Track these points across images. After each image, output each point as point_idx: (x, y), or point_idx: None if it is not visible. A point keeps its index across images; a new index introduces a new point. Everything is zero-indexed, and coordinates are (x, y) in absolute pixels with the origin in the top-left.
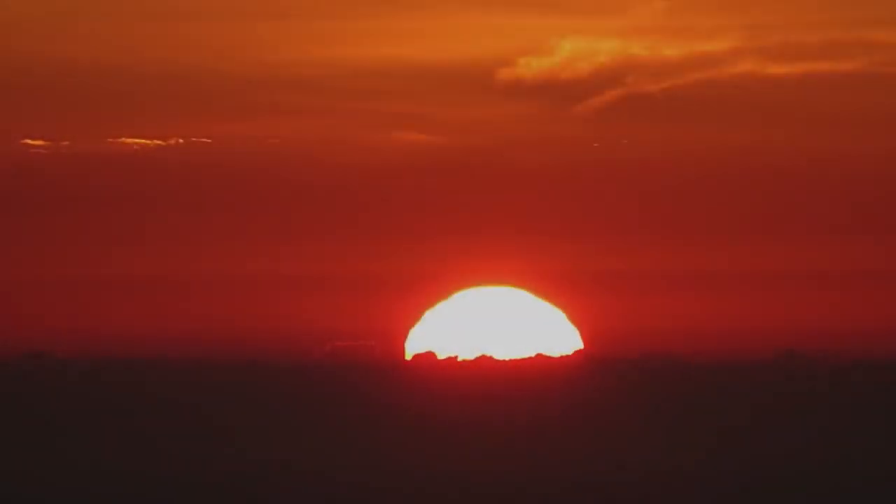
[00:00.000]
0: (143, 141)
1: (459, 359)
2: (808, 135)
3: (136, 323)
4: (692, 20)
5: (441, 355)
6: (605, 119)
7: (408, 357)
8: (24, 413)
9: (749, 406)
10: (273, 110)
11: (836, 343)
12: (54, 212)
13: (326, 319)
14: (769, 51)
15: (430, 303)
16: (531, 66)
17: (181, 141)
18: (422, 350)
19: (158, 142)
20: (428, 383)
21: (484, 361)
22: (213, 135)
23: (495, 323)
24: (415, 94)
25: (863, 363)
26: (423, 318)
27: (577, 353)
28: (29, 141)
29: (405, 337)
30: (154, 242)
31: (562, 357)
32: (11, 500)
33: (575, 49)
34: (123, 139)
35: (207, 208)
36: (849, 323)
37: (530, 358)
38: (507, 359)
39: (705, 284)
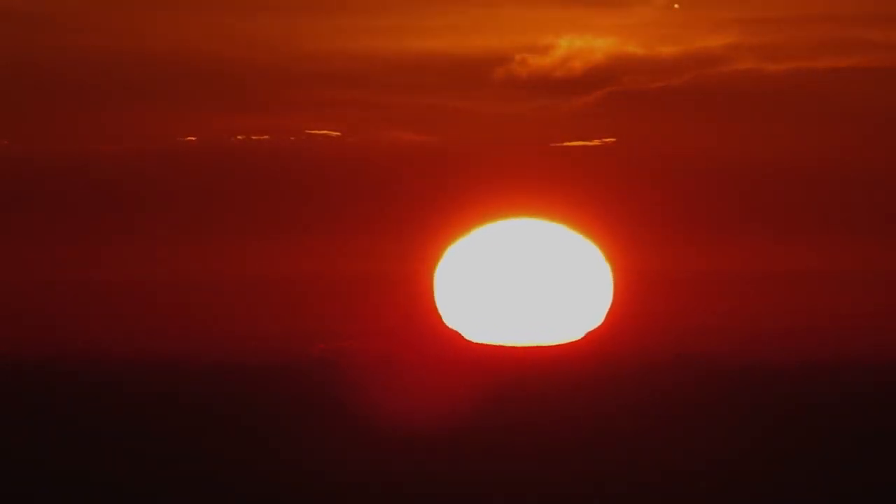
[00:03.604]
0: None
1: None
2: (808, 133)
3: (125, 325)
4: (690, 17)
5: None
6: (602, 116)
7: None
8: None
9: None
10: (261, 106)
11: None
12: (41, 214)
13: (313, 321)
14: (768, 48)
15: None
16: (527, 64)
17: (167, 141)
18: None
19: (140, 145)
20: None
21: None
22: (199, 133)
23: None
24: (410, 90)
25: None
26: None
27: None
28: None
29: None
30: (143, 244)
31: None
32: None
33: (572, 46)
34: (110, 140)
35: (196, 209)
36: (864, 321)
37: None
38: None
39: (702, 284)
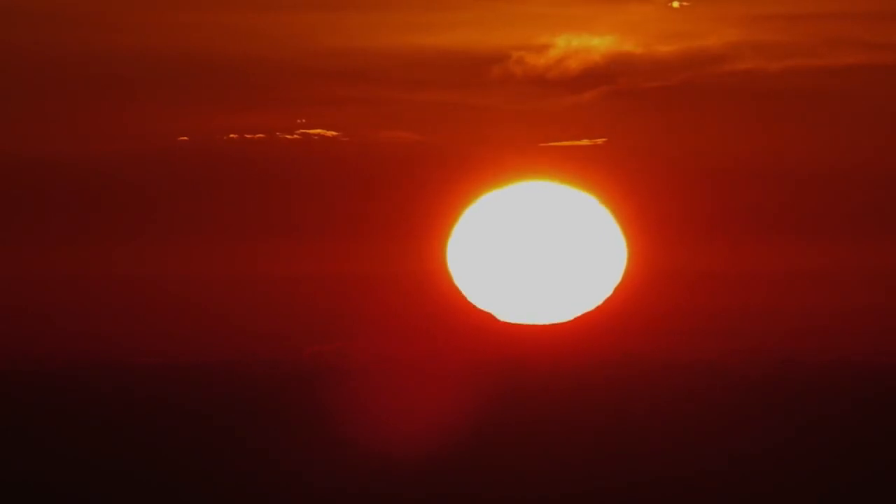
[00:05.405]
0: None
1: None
2: (808, 132)
3: (121, 323)
4: (689, 16)
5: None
6: (597, 116)
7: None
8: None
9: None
10: (254, 105)
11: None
12: (35, 214)
13: (310, 321)
14: (767, 47)
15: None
16: (524, 62)
17: (161, 141)
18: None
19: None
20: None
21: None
22: (192, 132)
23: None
24: (407, 87)
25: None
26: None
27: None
28: None
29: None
30: (137, 244)
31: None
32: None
33: (569, 45)
34: (104, 140)
35: (191, 208)
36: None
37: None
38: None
39: (701, 284)
